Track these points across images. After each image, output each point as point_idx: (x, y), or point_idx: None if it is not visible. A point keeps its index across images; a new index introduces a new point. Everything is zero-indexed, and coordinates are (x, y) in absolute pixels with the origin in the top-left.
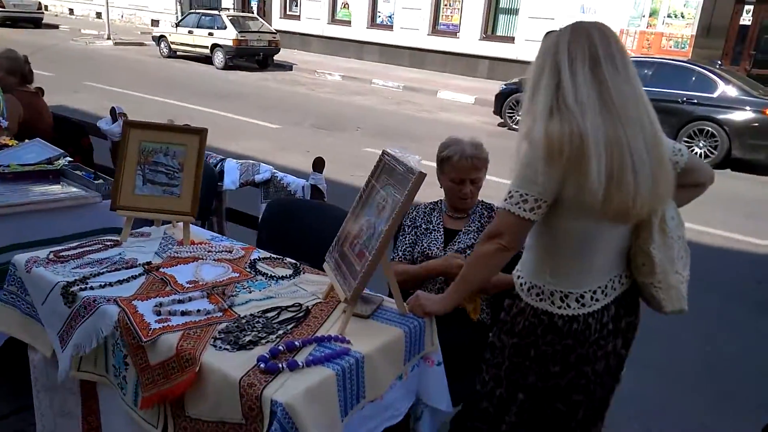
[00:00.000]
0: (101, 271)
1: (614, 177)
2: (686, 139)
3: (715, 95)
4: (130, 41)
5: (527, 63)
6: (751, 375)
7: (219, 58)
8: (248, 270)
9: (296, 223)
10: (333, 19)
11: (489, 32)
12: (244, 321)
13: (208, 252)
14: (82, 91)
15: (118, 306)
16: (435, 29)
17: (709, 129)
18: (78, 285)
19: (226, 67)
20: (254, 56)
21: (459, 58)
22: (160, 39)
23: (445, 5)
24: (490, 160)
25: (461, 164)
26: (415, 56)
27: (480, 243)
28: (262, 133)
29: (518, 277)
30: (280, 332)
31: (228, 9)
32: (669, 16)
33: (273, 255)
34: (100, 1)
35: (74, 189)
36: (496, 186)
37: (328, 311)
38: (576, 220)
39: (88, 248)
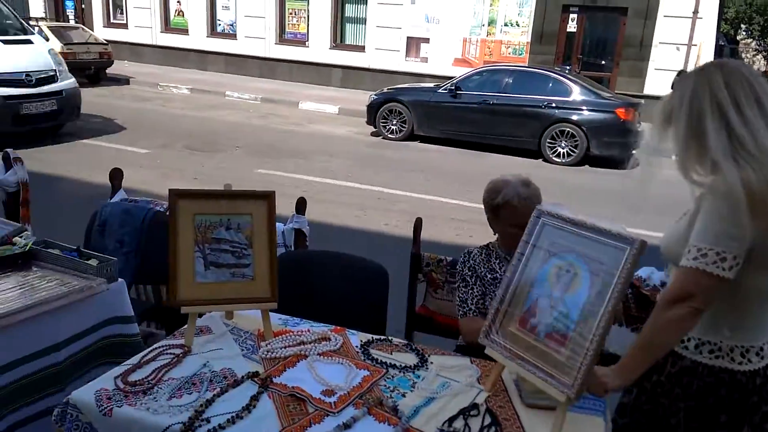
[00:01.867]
0: (208, 397)
1: None
2: (550, 140)
3: (570, 98)
4: None
5: (380, 71)
6: None
7: None
8: (369, 362)
9: (308, 277)
10: (167, 27)
11: (338, 41)
12: None
13: (303, 344)
14: None
15: None
16: (282, 38)
17: (569, 130)
18: (199, 424)
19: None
20: (84, 70)
21: (310, 67)
22: None
23: (291, 14)
24: (381, 170)
25: (521, 208)
26: (264, 66)
27: (664, 307)
28: (132, 161)
29: None
30: None
31: (42, 18)
32: (506, 24)
33: (375, 337)
34: None
35: (67, 277)
36: (405, 199)
37: (511, 408)
38: (764, 274)
39: (158, 363)
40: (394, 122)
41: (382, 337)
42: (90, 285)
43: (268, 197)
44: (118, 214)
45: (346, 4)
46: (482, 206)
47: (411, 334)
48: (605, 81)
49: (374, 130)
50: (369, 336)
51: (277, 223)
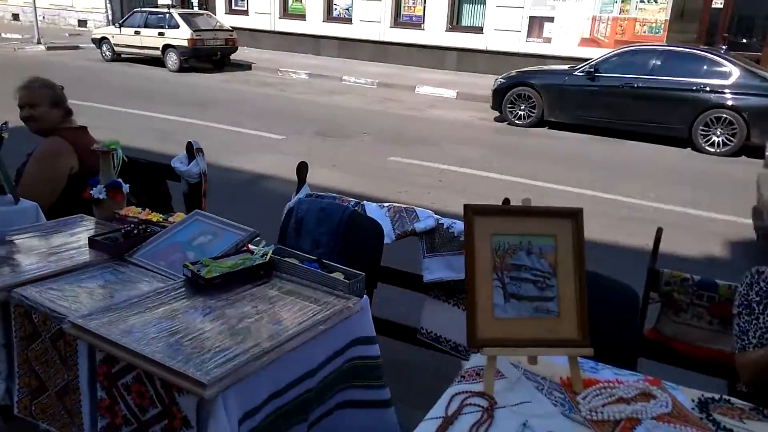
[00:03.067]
0: None
1: None
2: (703, 128)
3: (728, 82)
4: (63, 45)
5: (497, 53)
6: None
7: (173, 59)
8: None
9: None
10: (285, 13)
11: (455, 23)
12: None
13: (625, 402)
14: None
15: None
16: (397, 21)
17: (727, 116)
18: None
19: (181, 69)
20: (211, 56)
21: (424, 50)
22: (101, 41)
23: None
24: (519, 159)
25: None
26: (377, 50)
27: None
28: (269, 146)
29: None
30: None
31: (174, 6)
32: (642, 1)
33: (707, 395)
34: (16, 2)
35: (316, 293)
36: (531, 189)
37: None
38: None
39: (469, 418)
40: (522, 107)
41: (717, 396)
42: (348, 305)
43: (574, 216)
44: (314, 213)
45: None
46: (643, 202)
47: (635, 360)
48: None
49: (498, 115)
50: (698, 393)
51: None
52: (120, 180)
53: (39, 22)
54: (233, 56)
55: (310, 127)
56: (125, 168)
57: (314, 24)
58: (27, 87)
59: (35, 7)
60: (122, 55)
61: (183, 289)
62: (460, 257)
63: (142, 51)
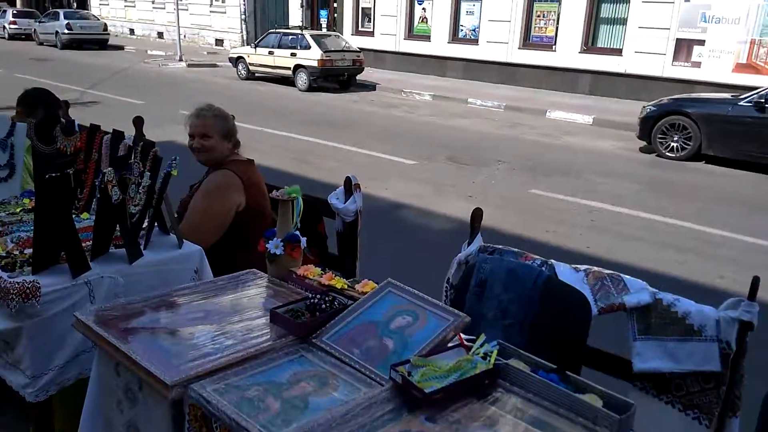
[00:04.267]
0: None
1: None
2: None
3: None
4: (202, 62)
5: (637, 77)
6: None
7: (302, 79)
8: None
9: None
10: (410, 35)
11: (590, 44)
12: None
13: None
14: (182, 123)
15: None
16: (527, 42)
17: None
18: None
19: (310, 88)
20: (338, 77)
21: (555, 73)
22: (237, 60)
23: (538, 16)
24: (681, 199)
25: None
26: (504, 71)
27: None
28: (401, 172)
29: None
30: None
31: (306, 27)
32: None
33: None
34: (161, 21)
35: (554, 418)
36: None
37: None
38: None
39: None
40: (676, 138)
41: None
42: None
43: None
44: (502, 275)
45: (603, 4)
46: None
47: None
48: None
49: (644, 145)
50: None
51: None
52: (298, 234)
53: (180, 41)
54: (358, 77)
55: (440, 152)
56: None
57: (439, 45)
58: (200, 116)
59: (179, 27)
60: (256, 74)
61: (392, 403)
62: (684, 344)
63: (274, 70)
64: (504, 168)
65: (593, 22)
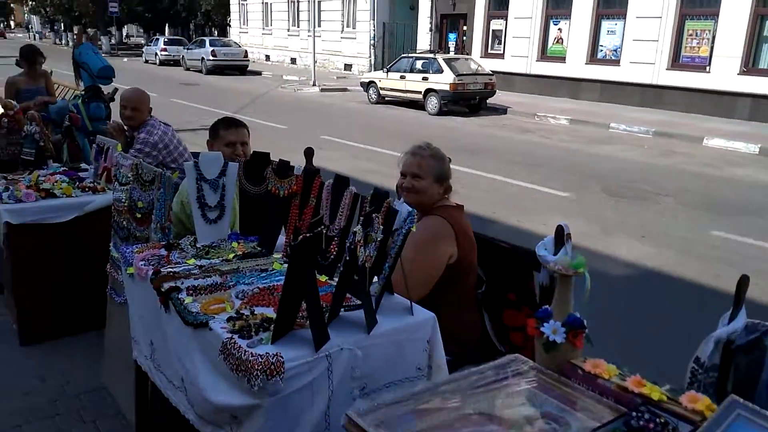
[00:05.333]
0: None
1: None
2: None
3: None
4: (334, 87)
5: None
6: None
7: (433, 103)
8: None
9: None
10: (543, 56)
11: (750, 65)
12: None
13: None
14: (326, 148)
15: None
16: (676, 63)
17: None
18: None
19: (440, 112)
20: (470, 100)
21: (708, 96)
22: (368, 84)
23: (690, 35)
24: None
25: None
26: (648, 94)
27: None
28: (555, 205)
29: None
30: None
31: (438, 51)
32: None
33: None
34: (295, 47)
35: None
36: None
37: None
38: None
39: None
40: None
41: None
42: None
43: None
44: None
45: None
46: None
47: None
48: None
49: None
50: None
51: None
52: (581, 317)
53: (311, 66)
54: (489, 100)
55: (592, 182)
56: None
57: (575, 66)
58: (416, 154)
59: (314, 53)
60: (386, 98)
61: None
62: None
63: (404, 94)
64: (672, 203)
65: (755, 41)
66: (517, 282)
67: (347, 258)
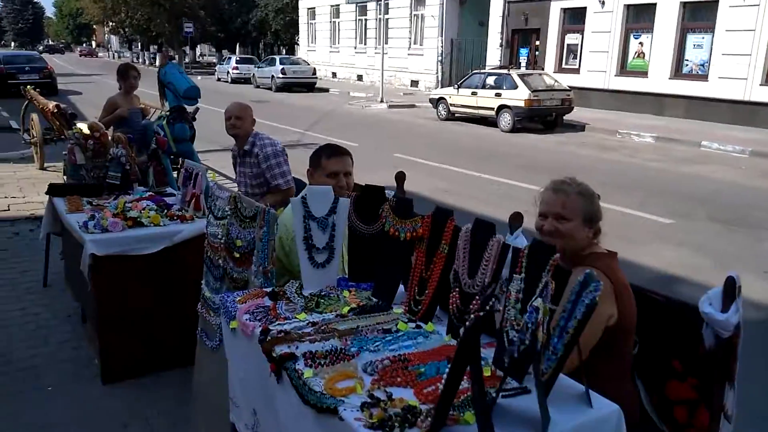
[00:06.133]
0: None
1: None
2: None
3: None
4: (401, 104)
5: None
6: None
7: (506, 120)
8: None
9: None
10: (623, 71)
11: None
12: None
13: None
14: (400, 166)
15: None
16: None
17: None
18: None
19: (513, 129)
20: (546, 117)
21: None
22: (438, 101)
23: None
24: None
25: None
26: (740, 111)
27: None
28: (659, 233)
29: None
30: None
31: (511, 66)
32: None
33: None
34: (362, 64)
35: None
36: None
37: None
38: None
39: None
40: None
41: None
42: None
43: None
44: None
45: None
46: None
47: None
48: None
49: None
50: None
51: None
52: None
53: (377, 82)
54: (565, 116)
55: (696, 208)
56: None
57: (658, 81)
58: (558, 191)
59: (383, 70)
60: (456, 114)
61: None
62: None
63: (476, 111)
64: None
65: None
66: (684, 346)
67: (526, 340)
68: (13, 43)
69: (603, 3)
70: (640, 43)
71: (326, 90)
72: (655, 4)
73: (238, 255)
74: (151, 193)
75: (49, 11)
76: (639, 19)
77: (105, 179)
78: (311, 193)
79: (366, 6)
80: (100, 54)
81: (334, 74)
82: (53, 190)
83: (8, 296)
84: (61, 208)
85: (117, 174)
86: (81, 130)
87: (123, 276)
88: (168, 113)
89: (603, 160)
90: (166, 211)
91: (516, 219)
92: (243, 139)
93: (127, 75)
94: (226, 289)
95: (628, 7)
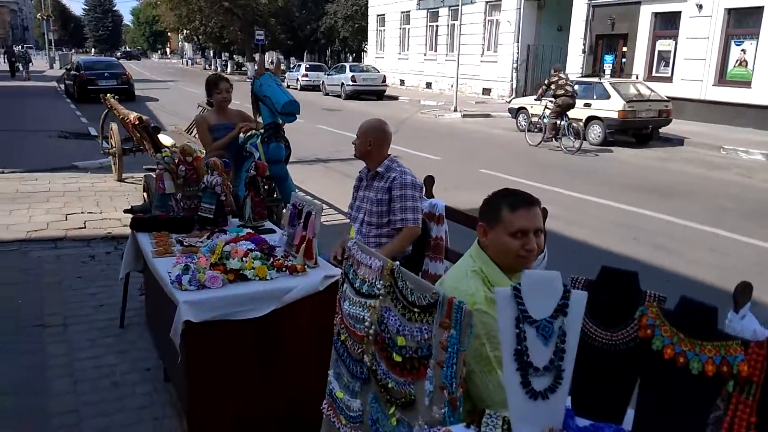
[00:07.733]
0: None
1: None
2: None
3: None
4: (476, 113)
5: None
6: None
7: (595, 132)
8: None
9: None
10: (721, 80)
11: None
12: None
13: None
14: (491, 185)
15: None
16: None
17: None
18: None
19: (604, 142)
20: (641, 129)
21: None
22: (518, 111)
23: None
24: None
25: None
26: None
27: None
28: None
29: None
30: None
31: (600, 75)
32: None
33: None
34: (431, 72)
35: None
36: None
37: None
38: None
39: None
40: None
41: None
42: None
43: None
44: None
45: None
46: None
47: None
48: None
49: None
50: None
51: None
52: None
53: (447, 90)
54: (662, 130)
55: None
56: None
57: (763, 92)
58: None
59: (457, 79)
60: (538, 126)
61: None
62: None
63: None
64: None
65: None
66: None
67: None
68: (93, 50)
69: (701, 7)
70: (743, 50)
71: (395, 98)
72: (761, 8)
73: (399, 358)
74: (249, 230)
75: (127, 19)
76: (742, 24)
77: (197, 211)
78: (530, 281)
79: (438, 12)
80: (173, 60)
81: (402, 82)
82: (137, 224)
83: (81, 339)
84: (147, 249)
85: (211, 207)
86: (169, 153)
87: (221, 344)
88: (262, 131)
89: (715, 181)
90: (272, 259)
91: (743, 292)
92: (376, 161)
93: (218, 87)
94: (373, 398)
95: (729, 11)
